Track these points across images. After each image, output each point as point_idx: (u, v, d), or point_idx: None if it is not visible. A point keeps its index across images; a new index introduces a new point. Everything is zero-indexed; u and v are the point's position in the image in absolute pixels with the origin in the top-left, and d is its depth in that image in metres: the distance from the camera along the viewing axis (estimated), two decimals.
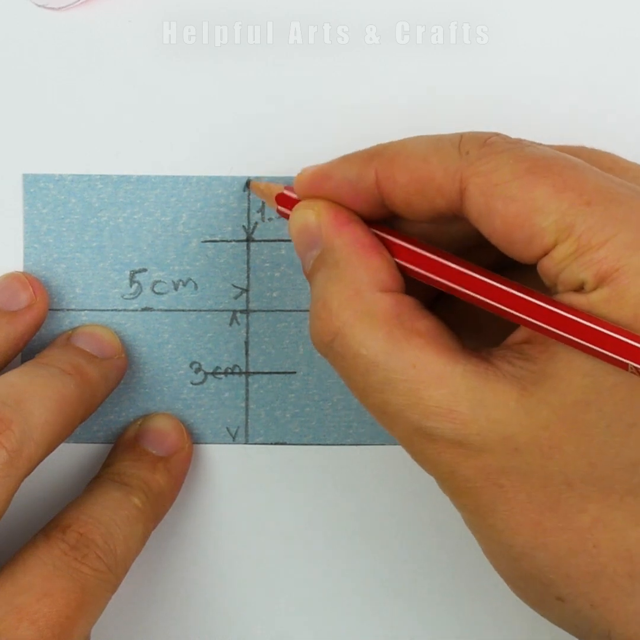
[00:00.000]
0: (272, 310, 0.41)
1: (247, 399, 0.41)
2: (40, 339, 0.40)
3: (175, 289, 0.40)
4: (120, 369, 0.39)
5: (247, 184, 0.39)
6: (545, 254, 0.30)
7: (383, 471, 0.41)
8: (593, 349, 0.29)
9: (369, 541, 0.41)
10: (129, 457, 0.39)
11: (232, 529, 0.41)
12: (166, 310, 0.40)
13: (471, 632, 0.41)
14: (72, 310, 0.40)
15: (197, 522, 0.41)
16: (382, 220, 0.34)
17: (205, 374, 0.40)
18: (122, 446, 0.39)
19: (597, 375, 0.29)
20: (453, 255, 0.33)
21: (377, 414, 0.32)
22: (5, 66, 0.40)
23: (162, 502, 0.38)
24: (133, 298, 0.40)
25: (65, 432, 0.36)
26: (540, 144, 0.32)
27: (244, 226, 0.40)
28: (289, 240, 0.40)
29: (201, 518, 0.41)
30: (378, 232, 0.34)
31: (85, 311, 0.40)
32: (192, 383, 0.40)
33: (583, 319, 0.29)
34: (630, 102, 0.41)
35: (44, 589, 0.33)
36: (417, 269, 0.33)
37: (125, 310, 0.40)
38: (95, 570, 0.34)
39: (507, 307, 0.31)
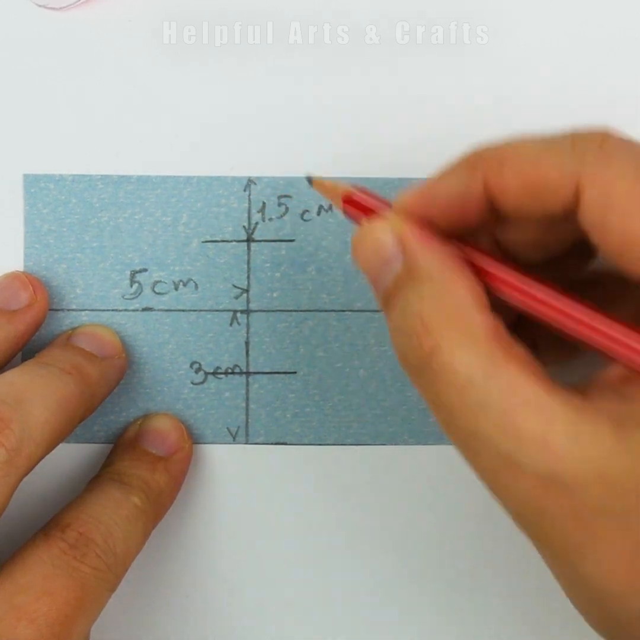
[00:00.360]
0: (273, 311, 0.41)
1: (247, 399, 0.41)
2: (40, 339, 0.40)
3: (176, 289, 0.40)
4: (120, 369, 0.39)
5: (309, 180, 0.36)
6: None
7: (383, 471, 0.41)
8: None
9: (369, 541, 0.41)
10: (129, 456, 0.39)
11: (232, 529, 0.41)
12: (167, 310, 0.40)
13: (472, 635, 0.41)
14: (73, 310, 0.40)
15: (197, 522, 0.41)
16: (487, 232, 0.33)
17: (206, 374, 0.40)
18: (123, 446, 0.39)
19: None
20: (550, 283, 0.31)
21: (464, 438, 0.30)
22: (5, 66, 0.40)
23: (162, 501, 0.38)
24: (133, 298, 0.40)
25: (65, 432, 0.36)
26: None
27: (244, 226, 0.40)
28: (290, 240, 0.40)
29: (201, 518, 0.41)
30: (472, 253, 0.32)
31: (86, 311, 0.40)
32: (192, 383, 0.40)
33: None
34: (631, 102, 0.41)
35: (43, 588, 0.33)
36: (514, 296, 0.31)
37: (125, 310, 0.40)
38: (95, 569, 0.34)
39: (604, 339, 0.30)
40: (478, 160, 0.31)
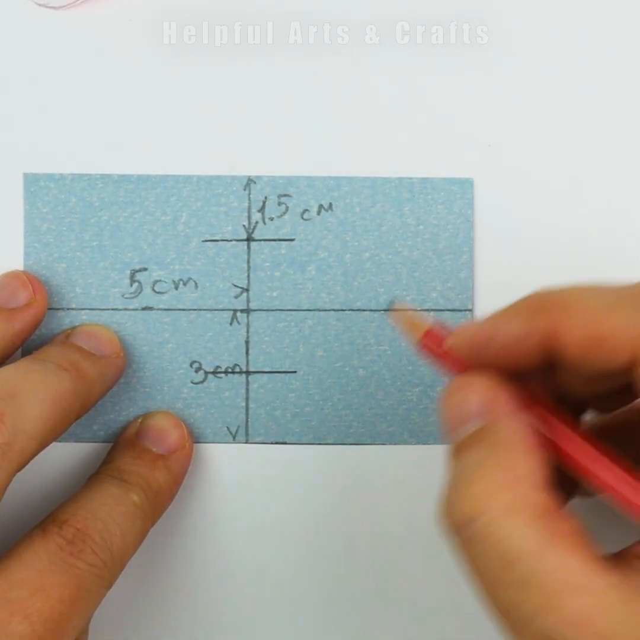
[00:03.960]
0: (273, 310, 0.40)
1: (247, 398, 0.40)
2: (40, 338, 0.40)
3: (176, 288, 0.40)
4: (118, 368, 0.39)
5: (389, 309, 0.37)
6: None
7: (383, 471, 0.40)
8: None
9: (369, 541, 0.40)
10: (129, 454, 0.39)
11: (232, 529, 0.40)
12: (166, 310, 0.40)
13: (473, 633, 0.40)
14: (72, 309, 0.40)
15: (197, 521, 0.40)
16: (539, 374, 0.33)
17: (206, 373, 0.40)
18: (122, 444, 0.39)
19: None
20: (612, 452, 0.31)
21: (506, 612, 0.30)
22: (5, 66, 0.40)
23: (161, 500, 0.38)
24: (133, 297, 0.40)
25: (60, 428, 0.35)
26: None
27: (244, 225, 0.40)
28: (290, 240, 0.40)
29: (201, 517, 0.40)
30: (551, 423, 0.32)
31: (86, 310, 0.40)
32: (192, 382, 0.40)
33: None
34: (631, 102, 0.41)
35: (38, 584, 0.33)
36: (578, 469, 0.32)
37: (125, 309, 0.40)
38: (91, 566, 0.34)
39: None
40: (542, 306, 0.31)
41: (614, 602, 0.28)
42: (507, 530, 0.29)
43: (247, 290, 0.40)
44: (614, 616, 0.28)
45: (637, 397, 0.32)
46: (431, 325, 0.33)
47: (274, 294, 0.41)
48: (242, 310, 0.40)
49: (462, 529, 0.30)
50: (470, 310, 0.40)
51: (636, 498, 0.30)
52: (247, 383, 0.40)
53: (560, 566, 0.29)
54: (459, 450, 0.32)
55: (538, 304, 0.31)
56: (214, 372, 0.40)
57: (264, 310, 0.40)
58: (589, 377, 0.33)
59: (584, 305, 0.30)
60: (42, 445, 0.35)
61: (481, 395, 0.32)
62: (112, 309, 0.40)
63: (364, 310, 0.40)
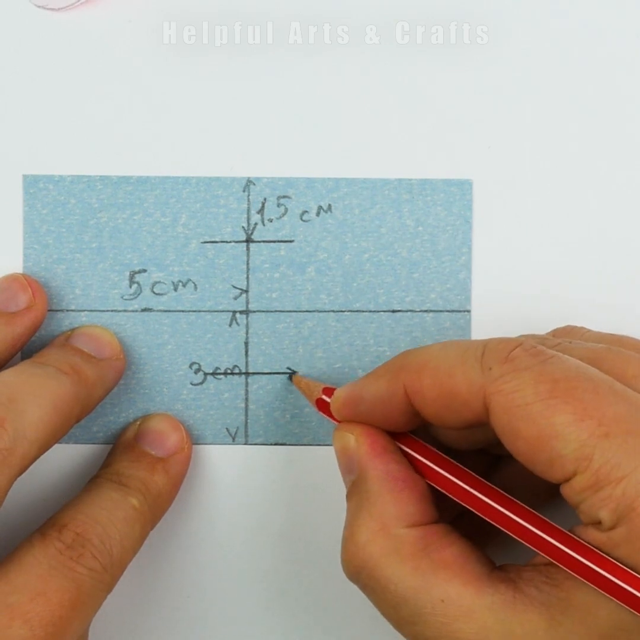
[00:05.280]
0: (272, 311, 0.41)
1: (246, 399, 0.41)
2: (39, 340, 0.40)
3: (175, 289, 0.40)
4: (118, 370, 0.39)
5: (290, 377, 0.40)
6: (566, 480, 0.31)
7: None
8: (608, 593, 0.30)
9: None
10: (128, 457, 0.39)
11: (232, 529, 0.41)
12: (166, 311, 0.40)
13: None
14: (72, 310, 0.40)
15: (197, 522, 0.41)
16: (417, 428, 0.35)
17: (205, 374, 0.40)
18: (121, 447, 0.39)
19: (622, 613, 0.30)
20: (481, 480, 0.34)
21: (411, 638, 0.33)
22: (5, 66, 0.40)
23: (160, 503, 0.38)
24: (133, 299, 0.40)
25: (61, 431, 0.36)
26: (563, 356, 0.32)
27: (243, 227, 0.40)
28: (289, 241, 0.40)
29: (201, 518, 0.40)
30: (412, 454, 0.35)
31: (85, 312, 0.40)
32: (191, 384, 0.40)
33: (596, 565, 0.30)
34: (631, 102, 0.40)
35: (38, 588, 0.33)
36: (445, 493, 0.34)
37: (124, 310, 0.40)
38: (91, 570, 0.34)
39: (529, 543, 0.32)
40: (400, 368, 0.34)
41: (500, 619, 0.31)
42: (388, 574, 0.32)
43: (246, 291, 0.40)
44: (501, 634, 0.31)
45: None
46: (320, 391, 0.37)
47: (273, 295, 0.41)
48: (241, 312, 0.41)
49: (356, 578, 0.33)
50: (468, 311, 0.40)
51: (504, 522, 0.33)
52: (247, 384, 0.40)
53: (444, 597, 0.31)
54: (347, 498, 0.35)
55: (397, 366, 0.34)
56: (214, 374, 0.40)
57: (263, 311, 0.41)
58: (460, 434, 0.36)
59: (433, 366, 0.33)
60: (43, 449, 0.35)
61: (352, 445, 0.35)
62: (112, 311, 0.40)
63: (363, 311, 0.41)
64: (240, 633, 0.41)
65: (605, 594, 0.30)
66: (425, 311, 0.41)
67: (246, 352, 0.41)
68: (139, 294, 0.40)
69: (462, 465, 0.34)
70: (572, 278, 0.41)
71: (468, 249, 0.40)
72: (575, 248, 0.41)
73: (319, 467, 0.40)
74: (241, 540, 0.41)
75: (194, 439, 0.40)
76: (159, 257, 0.40)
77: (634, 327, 0.40)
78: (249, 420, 0.41)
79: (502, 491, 0.33)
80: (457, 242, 0.40)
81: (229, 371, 0.40)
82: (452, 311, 0.40)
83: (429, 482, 0.34)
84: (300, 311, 0.41)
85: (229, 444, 0.41)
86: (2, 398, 0.34)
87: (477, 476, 0.34)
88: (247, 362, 0.41)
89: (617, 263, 0.41)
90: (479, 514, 0.33)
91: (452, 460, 0.34)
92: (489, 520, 0.33)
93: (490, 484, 0.33)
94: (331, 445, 0.40)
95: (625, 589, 0.30)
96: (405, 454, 0.35)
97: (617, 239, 0.41)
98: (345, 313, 0.41)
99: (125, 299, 0.40)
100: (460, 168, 0.41)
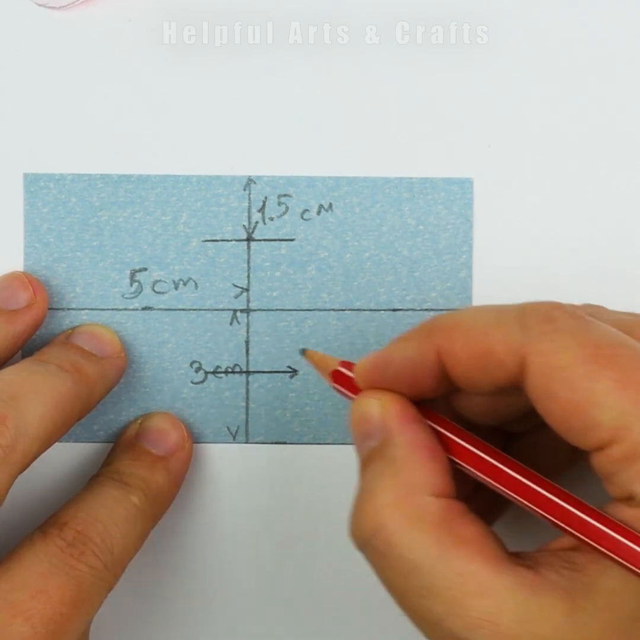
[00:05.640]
0: (273, 310, 0.41)
1: (247, 398, 0.41)
2: (40, 338, 0.40)
3: (176, 288, 0.40)
4: (119, 369, 0.39)
5: (302, 352, 0.37)
6: (601, 448, 0.30)
7: None
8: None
9: None
10: (129, 456, 0.39)
11: (232, 529, 0.40)
12: (166, 310, 0.40)
13: None
14: (73, 309, 0.40)
15: (197, 521, 0.40)
16: (444, 396, 0.34)
17: (206, 373, 0.40)
18: (122, 445, 0.39)
19: None
20: (507, 457, 0.32)
21: (416, 618, 0.31)
22: (5, 66, 0.40)
23: (161, 501, 0.38)
24: (133, 297, 0.40)
25: (62, 429, 0.36)
26: (603, 323, 0.31)
27: (244, 225, 0.40)
28: (290, 240, 0.40)
29: (201, 517, 0.40)
30: (437, 428, 0.33)
31: (86, 310, 0.40)
32: (192, 382, 0.40)
33: (630, 541, 0.29)
34: (631, 102, 0.41)
35: (39, 586, 0.33)
36: (470, 470, 0.33)
37: (125, 309, 0.40)
38: (92, 568, 0.34)
39: (556, 519, 0.31)
40: (431, 330, 0.33)
41: (518, 600, 0.29)
42: (407, 541, 0.31)
43: (247, 290, 0.41)
44: (517, 615, 0.29)
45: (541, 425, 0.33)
46: (338, 363, 0.35)
47: (274, 294, 0.41)
48: (242, 310, 0.41)
49: (367, 542, 0.32)
50: None
51: (533, 497, 0.31)
52: (247, 383, 0.40)
53: (462, 571, 0.30)
54: (364, 465, 0.33)
55: (427, 328, 0.33)
56: (214, 372, 0.40)
57: (264, 310, 0.41)
58: (488, 403, 0.34)
59: (467, 326, 0.32)
60: (44, 447, 0.35)
61: (378, 410, 0.33)
62: (112, 309, 0.40)
63: (363, 310, 0.41)
64: (241, 632, 0.41)
65: (636, 570, 0.29)
66: (426, 310, 0.41)
67: (247, 350, 0.41)
68: (139, 293, 0.40)
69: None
70: (572, 277, 0.41)
71: (469, 248, 0.41)
72: (575, 247, 0.41)
73: (320, 465, 0.40)
74: (242, 538, 0.40)
75: (194, 437, 0.40)
76: (160, 255, 0.40)
77: None
78: (249, 419, 0.40)
79: (526, 467, 0.32)
80: (458, 241, 0.40)
81: (229, 370, 0.40)
82: (453, 310, 0.40)
83: (451, 456, 0.33)
84: (301, 310, 0.41)
85: (230, 442, 0.40)
86: (4, 396, 0.34)
87: (500, 451, 0.33)
88: (247, 361, 0.41)
89: (617, 263, 0.41)
90: (501, 489, 0.32)
91: (474, 435, 0.33)
92: (513, 495, 0.32)
93: (513, 459, 0.32)
94: (331, 443, 0.41)
95: None
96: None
97: (617, 238, 0.41)
98: (346, 312, 0.41)
99: (126, 298, 0.40)
100: (460, 167, 0.41)
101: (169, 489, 0.39)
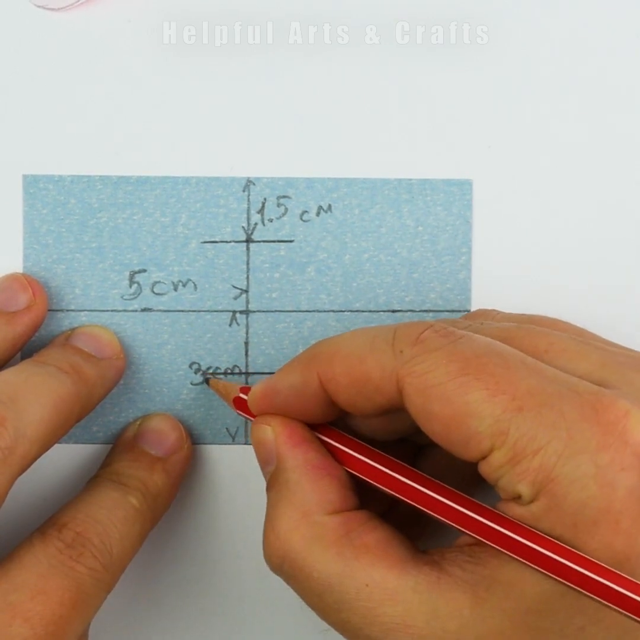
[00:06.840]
0: (272, 311, 0.41)
1: None
2: (39, 340, 0.40)
3: (175, 289, 0.40)
4: (118, 370, 0.39)
5: (207, 381, 0.40)
6: (483, 457, 0.31)
7: None
8: (534, 563, 0.30)
9: None
10: (128, 457, 0.39)
11: (232, 529, 0.41)
12: (166, 311, 0.40)
13: None
14: (72, 310, 0.40)
15: (197, 522, 0.41)
16: (337, 420, 0.35)
17: (205, 374, 0.40)
18: (121, 446, 0.39)
19: (546, 585, 0.30)
20: (401, 464, 0.33)
21: (339, 630, 0.33)
22: (5, 67, 0.40)
23: (160, 502, 0.38)
24: (133, 299, 0.40)
25: (61, 431, 0.36)
26: (474, 335, 0.32)
27: (243, 227, 0.40)
28: (289, 241, 0.40)
29: (200, 519, 0.41)
30: (334, 444, 0.34)
31: (85, 312, 0.40)
32: (191, 383, 0.41)
33: (521, 536, 0.30)
34: (631, 102, 0.40)
35: (38, 587, 0.33)
36: (366, 480, 0.34)
37: (124, 310, 0.40)
38: (91, 569, 0.34)
39: (451, 520, 0.32)
40: (312, 358, 0.34)
41: (425, 600, 0.31)
42: (311, 562, 0.32)
43: (246, 291, 0.41)
44: (426, 615, 0.31)
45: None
46: (238, 390, 0.37)
47: (273, 295, 0.41)
48: (241, 312, 0.41)
49: (279, 568, 0.33)
50: (468, 311, 0.40)
51: (428, 502, 0.32)
52: (247, 384, 0.40)
53: (368, 581, 0.31)
54: (267, 490, 0.35)
55: (309, 357, 0.34)
56: (214, 374, 0.40)
57: (263, 311, 0.41)
58: (378, 423, 0.35)
59: (344, 353, 0.33)
60: (44, 448, 0.35)
61: (269, 436, 0.35)
62: (112, 311, 0.40)
63: (363, 311, 0.41)
64: (241, 632, 0.41)
65: (531, 565, 0.30)
66: (425, 311, 0.41)
67: (246, 352, 0.41)
68: (138, 294, 0.40)
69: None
70: (572, 278, 0.41)
71: (468, 249, 0.40)
72: (575, 248, 0.41)
73: None
74: (241, 539, 0.40)
75: (194, 438, 0.40)
76: (159, 257, 0.40)
77: (633, 327, 0.40)
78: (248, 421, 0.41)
79: (420, 472, 0.33)
80: (457, 242, 0.40)
81: (229, 371, 0.40)
82: (452, 311, 0.40)
83: (348, 469, 0.34)
84: (300, 311, 0.41)
85: (229, 443, 0.41)
86: (3, 397, 0.34)
87: (396, 460, 0.34)
88: (247, 362, 0.41)
89: (617, 263, 0.41)
90: (399, 497, 0.33)
91: (370, 446, 0.34)
92: (409, 501, 0.33)
93: (408, 466, 0.33)
94: None
95: (550, 558, 0.30)
96: (324, 443, 0.35)
97: (617, 238, 0.41)
98: (345, 313, 0.41)
99: (125, 299, 0.40)
100: (460, 168, 0.41)
101: (168, 490, 0.39)
